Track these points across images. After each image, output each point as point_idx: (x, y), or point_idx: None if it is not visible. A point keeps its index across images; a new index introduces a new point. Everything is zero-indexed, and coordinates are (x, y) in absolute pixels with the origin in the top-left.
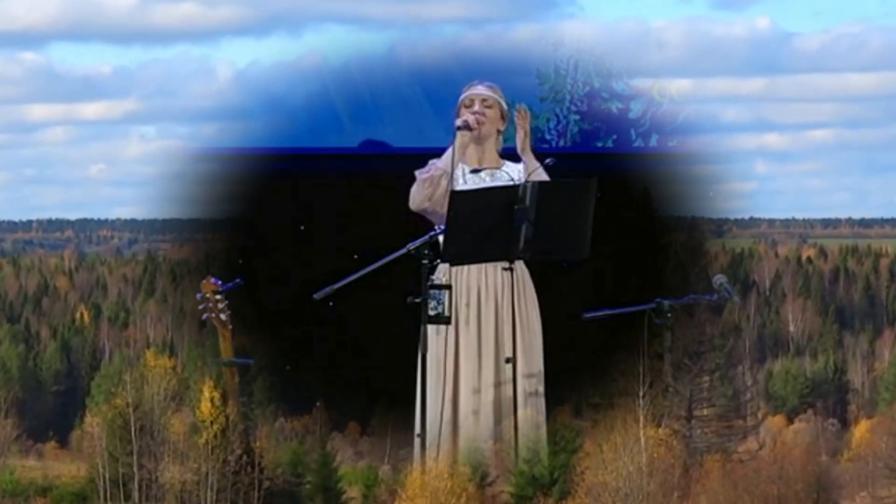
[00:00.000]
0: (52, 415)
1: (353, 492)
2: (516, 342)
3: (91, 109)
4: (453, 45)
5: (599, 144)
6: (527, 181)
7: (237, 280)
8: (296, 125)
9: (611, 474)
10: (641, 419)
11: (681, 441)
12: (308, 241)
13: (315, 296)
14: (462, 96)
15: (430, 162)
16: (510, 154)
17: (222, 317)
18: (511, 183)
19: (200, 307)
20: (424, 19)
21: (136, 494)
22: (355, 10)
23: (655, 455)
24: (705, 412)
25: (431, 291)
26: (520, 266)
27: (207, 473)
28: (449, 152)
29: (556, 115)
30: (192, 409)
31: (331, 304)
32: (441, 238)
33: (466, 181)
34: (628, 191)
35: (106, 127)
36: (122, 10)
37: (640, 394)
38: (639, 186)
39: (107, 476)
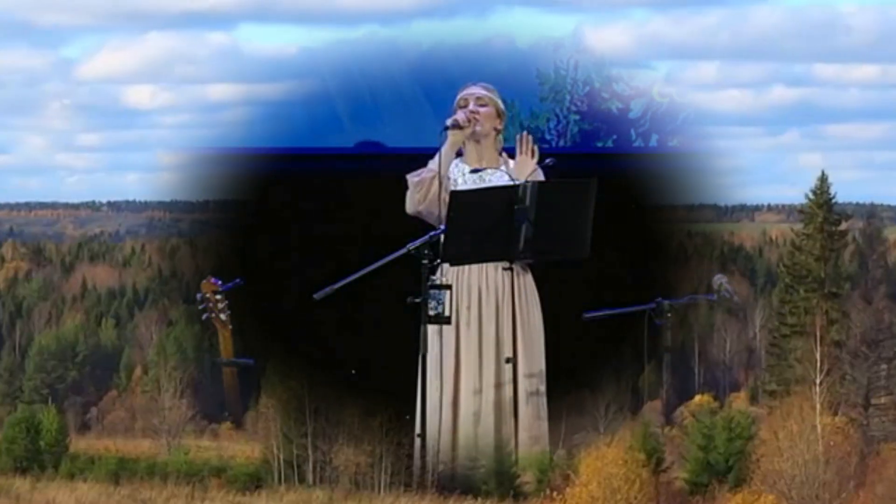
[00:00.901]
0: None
1: (526, 476)
2: (517, 342)
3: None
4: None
5: (599, 144)
6: (527, 181)
7: (237, 280)
8: (295, 125)
9: (786, 462)
10: (818, 407)
11: (857, 429)
12: (308, 241)
13: (315, 296)
14: (457, 97)
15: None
16: (510, 153)
17: (222, 317)
18: (511, 183)
19: (200, 307)
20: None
21: (310, 476)
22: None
23: (832, 443)
24: (883, 400)
25: (431, 291)
26: (521, 265)
27: (381, 456)
28: (439, 153)
29: (556, 115)
30: None
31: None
32: (441, 238)
33: (466, 181)
34: (628, 191)
35: None
36: None
37: (818, 381)
38: (639, 186)
39: (281, 457)
